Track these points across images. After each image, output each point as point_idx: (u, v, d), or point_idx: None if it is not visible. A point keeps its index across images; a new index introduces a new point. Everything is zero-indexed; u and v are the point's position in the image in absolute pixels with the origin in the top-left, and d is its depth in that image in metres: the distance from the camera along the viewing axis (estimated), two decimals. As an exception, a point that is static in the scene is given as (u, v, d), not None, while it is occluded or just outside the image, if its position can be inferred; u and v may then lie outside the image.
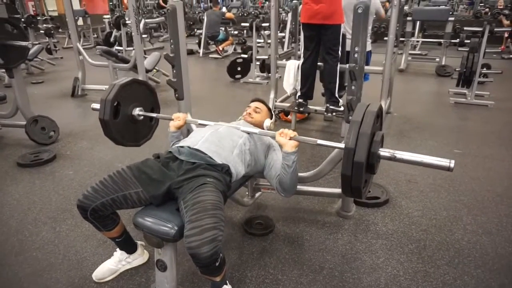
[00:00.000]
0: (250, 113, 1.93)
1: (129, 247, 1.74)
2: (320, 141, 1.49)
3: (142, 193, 1.44)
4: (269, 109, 2.03)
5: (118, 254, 1.74)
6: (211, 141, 1.62)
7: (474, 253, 1.84)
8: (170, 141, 1.89)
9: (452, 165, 1.23)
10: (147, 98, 1.98)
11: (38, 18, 9.43)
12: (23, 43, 2.90)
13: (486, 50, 4.47)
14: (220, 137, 1.66)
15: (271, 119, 1.97)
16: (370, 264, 1.78)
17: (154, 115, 1.96)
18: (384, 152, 1.36)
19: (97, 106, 1.81)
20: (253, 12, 12.18)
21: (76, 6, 10.69)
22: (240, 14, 12.32)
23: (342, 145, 1.38)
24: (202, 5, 16.48)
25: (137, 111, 1.89)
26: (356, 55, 1.77)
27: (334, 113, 3.42)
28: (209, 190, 1.38)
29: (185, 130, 2.34)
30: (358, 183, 1.28)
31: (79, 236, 2.01)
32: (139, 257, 1.78)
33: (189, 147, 1.60)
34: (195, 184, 1.41)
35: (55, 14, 12.83)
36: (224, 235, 1.99)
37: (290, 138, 1.52)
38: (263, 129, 1.85)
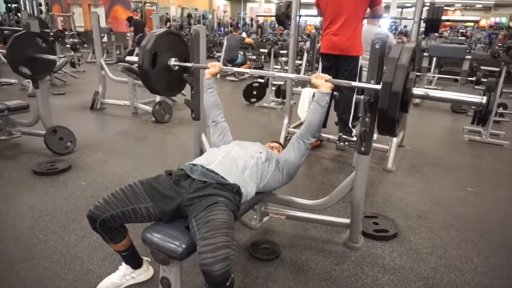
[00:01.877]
0: (270, 146, 2.13)
1: (135, 262, 1.75)
2: (354, 84, 1.71)
3: (152, 208, 1.47)
4: None
5: (123, 268, 1.74)
6: (224, 163, 1.66)
7: (484, 296, 1.79)
8: (204, 88, 2.05)
9: (484, 101, 1.29)
10: (181, 49, 2.09)
11: (66, 33, 9.84)
12: (51, 57, 3.03)
13: (503, 90, 4.46)
14: (233, 159, 1.70)
15: None
16: (375, 298, 1.75)
17: (189, 64, 2.07)
18: (417, 90, 1.46)
19: (124, 64, 1.94)
20: (271, 39, 12.48)
21: (102, 24, 11.13)
22: (259, 40, 12.62)
23: (377, 86, 1.53)
24: (222, 29, 16.97)
25: (172, 61, 2.02)
26: (371, 88, 1.80)
27: (346, 143, 3.43)
28: (221, 209, 1.40)
29: (198, 149, 2.38)
30: (393, 114, 1.41)
31: (87, 247, 2.03)
32: (144, 273, 1.79)
33: (202, 166, 1.63)
34: (207, 202, 1.43)
35: (82, 30, 13.37)
36: (230, 257, 2.00)
37: (326, 81, 1.71)
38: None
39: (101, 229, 1.50)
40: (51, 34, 7.04)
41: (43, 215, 2.34)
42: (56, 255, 1.95)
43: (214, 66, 2.01)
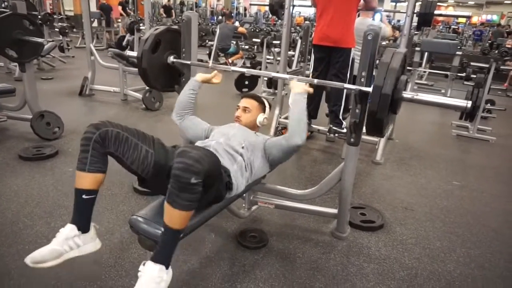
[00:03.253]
0: (239, 116, 1.93)
1: (85, 221, 1.43)
2: (346, 85, 1.79)
3: (151, 156, 1.46)
4: (261, 102, 1.96)
5: (67, 230, 1.38)
6: (217, 150, 1.65)
7: (465, 286, 1.84)
8: (186, 86, 1.99)
9: (469, 105, 1.35)
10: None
11: (54, 16, 9.61)
12: (39, 40, 2.96)
13: (492, 87, 4.52)
14: (221, 150, 1.68)
15: (264, 112, 1.95)
16: (360, 287, 1.77)
17: (188, 62, 2.13)
18: (406, 94, 1.58)
19: (114, 50, 2.00)
20: (265, 29, 12.39)
21: (93, 8, 10.92)
22: (252, 30, 12.51)
23: (368, 89, 1.62)
24: (215, 18, 16.77)
25: (171, 58, 2.12)
26: (362, 80, 1.81)
27: (336, 134, 3.45)
28: None
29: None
30: (382, 115, 1.49)
31: (73, 233, 2.01)
32: (91, 242, 1.45)
33: None
34: None
35: (71, 14, 13.07)
36: (217, 245, 2.01)
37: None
38: (256, 129, 1.92)
39: (95, 141, 1.37)
40: (39, 17, 6.89)
41: (29, 200, 2.31)
42: (42, 240, 1.93)
43: (214, 75, 2.00)
